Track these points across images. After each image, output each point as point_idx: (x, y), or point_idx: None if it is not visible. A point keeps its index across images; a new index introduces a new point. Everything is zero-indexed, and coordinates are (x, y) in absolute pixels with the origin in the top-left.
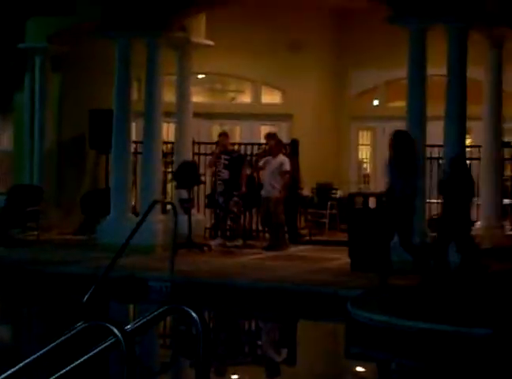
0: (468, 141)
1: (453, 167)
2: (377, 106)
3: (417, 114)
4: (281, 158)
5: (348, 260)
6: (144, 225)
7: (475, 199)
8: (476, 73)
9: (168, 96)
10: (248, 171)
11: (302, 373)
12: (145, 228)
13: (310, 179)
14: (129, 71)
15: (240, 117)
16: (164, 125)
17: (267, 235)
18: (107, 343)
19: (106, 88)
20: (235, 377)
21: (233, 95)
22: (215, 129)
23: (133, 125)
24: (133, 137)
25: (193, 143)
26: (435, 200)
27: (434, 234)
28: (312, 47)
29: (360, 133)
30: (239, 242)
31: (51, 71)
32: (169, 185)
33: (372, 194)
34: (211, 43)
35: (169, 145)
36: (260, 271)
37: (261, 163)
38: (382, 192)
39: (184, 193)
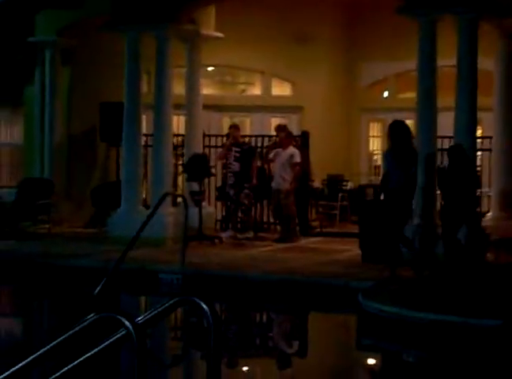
0: (478, 132)
1: (451, 157)
2: (387, 97)
3: (427, 106)
4: (291, 150)
5: (359, 251)
6: (155, 218)
7: (485, 190)
8: (487, 63)
9: (178, 89)
10: (259, 163)
11: (313, 365)
12: (156, 221)
13: (321, 171)
14: (139, 64)
15: (250, 109)
16: (174, 118)
17: (278, 227)
18: (117, 335)
19: (115, 82)
20: (246, 368)
21: (243, 88)
22: (225, 122)
23: (144, 117)
24: (144, 130)
25: (204, 135)
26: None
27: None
28: (322, 39)
29: (371, 125)
30: (250, 234)
31: (61, 64)
32: (180, 178)
33: None
34: (221, 35)
35: (179, 138)
36: (271, 263)
37: (271, 156)
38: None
39: (195, 186)
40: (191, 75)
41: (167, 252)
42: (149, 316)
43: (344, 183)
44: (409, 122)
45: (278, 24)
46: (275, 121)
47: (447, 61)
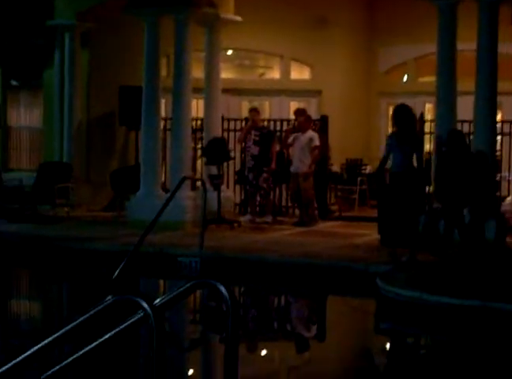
0: (498, 116)
1: (449, 142)
2: (406, 81)
3: (447, 90)
4: (310, 133)
5: (378, 236)
6: (174, 201)
7: (505, 174)
8: (507, 47)
9: (197, 72)
10: (278, 148)
11: (331, 349)
12: (175, 205)
13: (340, 155)
14: (158, 48)
15: (269, 93)
16: (193, 102)
17: (297, 211)
18: (136, 318)
19: (134, 65)
20: (265, 352)
21: (262, 71)
22: (244, 106)
23: (163, 101)
24: (163, 114)
25: (223, 119)
26: None
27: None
28: (341, 23)
29: (390, 109)
30: (269, 218)
31: (80, 48)
32: (199, 162)
33: None
34: (240, 18)
35: (198, 121)
36: (289, 247)
37: (290, 140)
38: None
39: (214, 170)
40: (210, 59)
41: (186, 235)
42: (167, 298)
43: (363, 167)
44: (429, 106)
45: (297, 8)
46: (294, 105)
47: (467, 45)
